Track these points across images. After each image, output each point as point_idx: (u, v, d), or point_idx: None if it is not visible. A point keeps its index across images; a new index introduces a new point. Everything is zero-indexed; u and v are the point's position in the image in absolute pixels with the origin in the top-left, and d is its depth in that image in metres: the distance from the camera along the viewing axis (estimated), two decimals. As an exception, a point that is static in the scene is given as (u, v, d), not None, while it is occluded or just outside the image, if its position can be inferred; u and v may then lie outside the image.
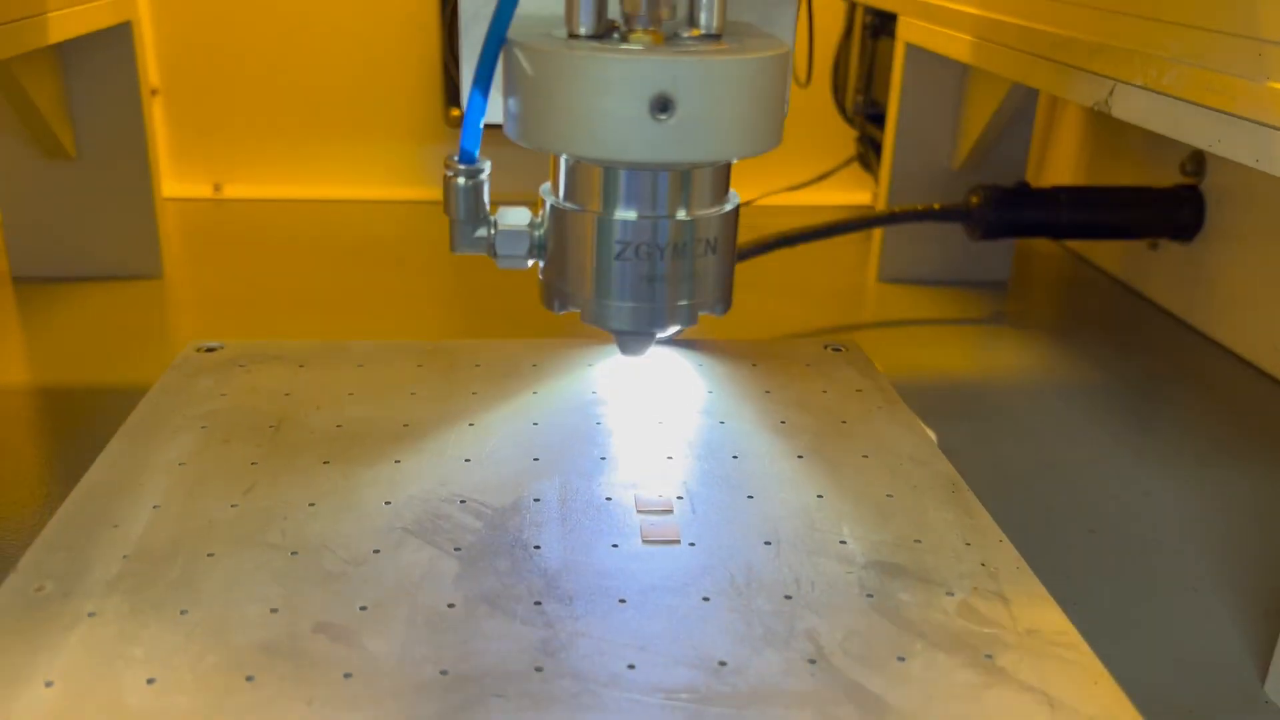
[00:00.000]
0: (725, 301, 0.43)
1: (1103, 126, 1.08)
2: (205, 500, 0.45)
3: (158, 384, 0.55)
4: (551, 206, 0.43)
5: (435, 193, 1.24)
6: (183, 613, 0.37)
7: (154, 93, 1.18)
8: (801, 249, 0.90)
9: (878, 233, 1.03)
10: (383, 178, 1.24)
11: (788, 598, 0.40)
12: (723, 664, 0.36)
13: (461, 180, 0.43)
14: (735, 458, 0.50)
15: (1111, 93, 0.60)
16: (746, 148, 0.39)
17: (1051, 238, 1.10)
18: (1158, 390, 0.81)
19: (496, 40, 0.40)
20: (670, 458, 0.50)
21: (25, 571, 0.39)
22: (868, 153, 1.20)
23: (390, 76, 1.20)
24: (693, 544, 0.43)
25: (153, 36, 1.16)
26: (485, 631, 0.37)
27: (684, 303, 0.42)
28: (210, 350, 0.60)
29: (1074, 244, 1.11)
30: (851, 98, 1.19)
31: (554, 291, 0.43)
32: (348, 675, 0.35)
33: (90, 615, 0.37)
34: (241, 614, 0.37)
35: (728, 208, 0.42)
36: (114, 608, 0.37)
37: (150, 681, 0.34)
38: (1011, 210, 0.91)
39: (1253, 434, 0.73)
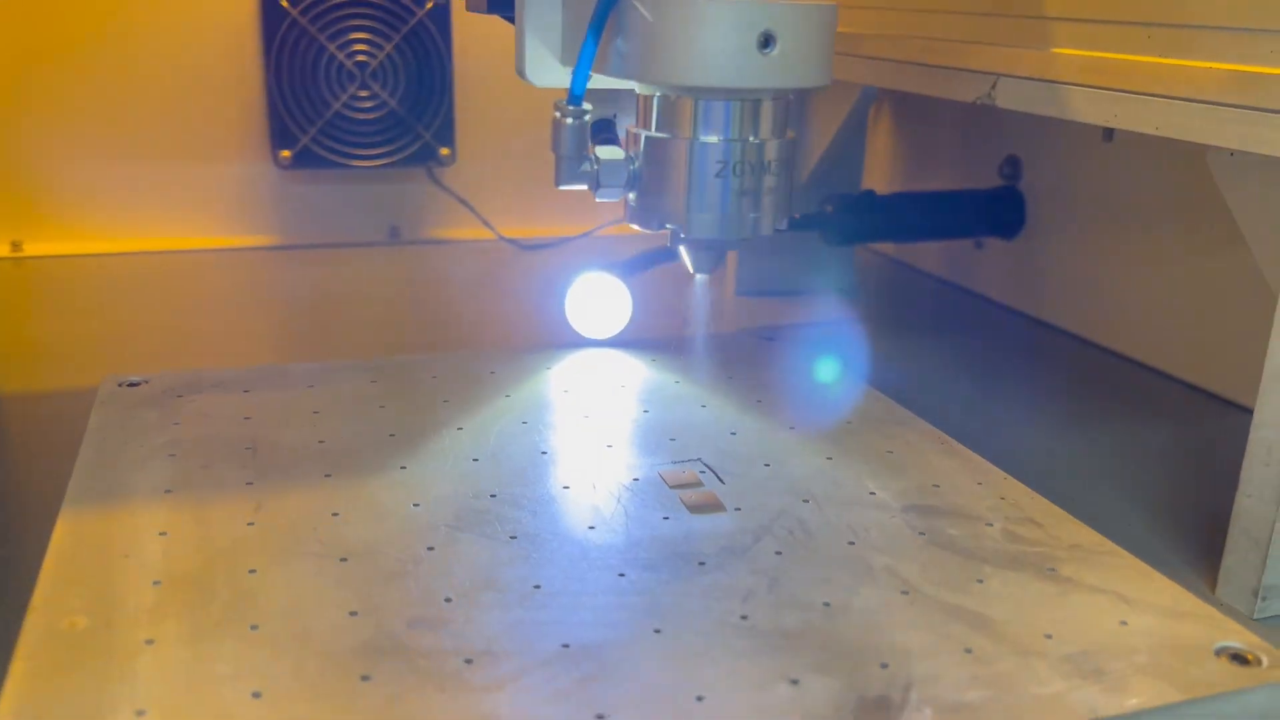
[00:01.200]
0: (789, 215, 0.51)
1: (916, 135, 1.17)
2: (216, 522, 0.41)
3: (93, 420, 0.50)
4: (647, 139, 0.49)
5: (266, 239, 1.18)
6: (253, 628, 0.34)
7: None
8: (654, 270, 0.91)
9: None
10: (206, 226, 1.17)
11: (851, 543, 0.41)
12: (827, 604, 0.37)
13: (570, 120, 0.48)
14: (733, 434, 0.51)
15: (994, 86, 0.66)
16: (824, 77, 0.47)
17: (902, 241, 1.17)
18: (1013, 370, 0.88)
19: None
20: (674, 439, 0.50)
21: (43, 609, 0.35)
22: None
23: (210, 120, 1.14)
24: (738, 509, 0.43)
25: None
26: (586, 605, 0.36)
27: (763, 215, 0.49)
28: (133, 385, 0.55)
29: (897, 251, 1.20)
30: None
31: (653, 212, 0.49)
32: (468, 661, 0.33)
33: (149, 643, 0.33)
34: (321, 621, 0.35)
35: (790, 137, 0.50)
36: (173, 632, 0.34)
37: (256, 695, 0.31)
38: (865, 217, 0.97)
39: (1106, 397, 0.81)
